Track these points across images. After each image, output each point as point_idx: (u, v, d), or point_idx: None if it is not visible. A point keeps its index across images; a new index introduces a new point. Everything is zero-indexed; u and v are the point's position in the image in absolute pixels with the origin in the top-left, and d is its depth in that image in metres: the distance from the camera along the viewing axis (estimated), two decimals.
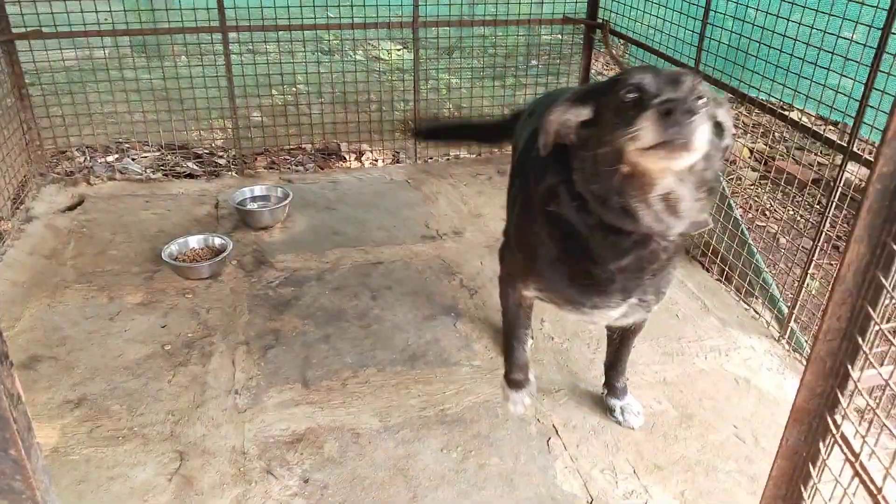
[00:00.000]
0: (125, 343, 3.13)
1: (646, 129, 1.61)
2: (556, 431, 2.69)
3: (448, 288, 3.56)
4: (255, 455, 2.56)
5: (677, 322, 3.33)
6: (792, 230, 4.72)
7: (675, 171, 1.73)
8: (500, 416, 2.76)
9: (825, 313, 1.41)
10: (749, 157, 6.15)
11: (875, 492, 1.29)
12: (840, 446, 1.44)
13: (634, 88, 1.71)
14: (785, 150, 6.19)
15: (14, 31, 4.08)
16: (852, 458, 1.38)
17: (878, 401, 1.43)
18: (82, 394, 2.83)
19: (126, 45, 5.15)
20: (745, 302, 3.48)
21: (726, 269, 3.59)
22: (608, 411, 2.78)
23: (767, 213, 5.32)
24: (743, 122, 6.93)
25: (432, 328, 3.26)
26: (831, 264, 4.15)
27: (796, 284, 3.14)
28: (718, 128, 1.84)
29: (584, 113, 1.87)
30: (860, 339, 1.37)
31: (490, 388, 2.90)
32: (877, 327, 1.31)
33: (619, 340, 2.66)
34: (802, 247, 3.13)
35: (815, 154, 6.01)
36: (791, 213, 5.20)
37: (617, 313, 2.22)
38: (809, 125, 3.12)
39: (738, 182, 5.48)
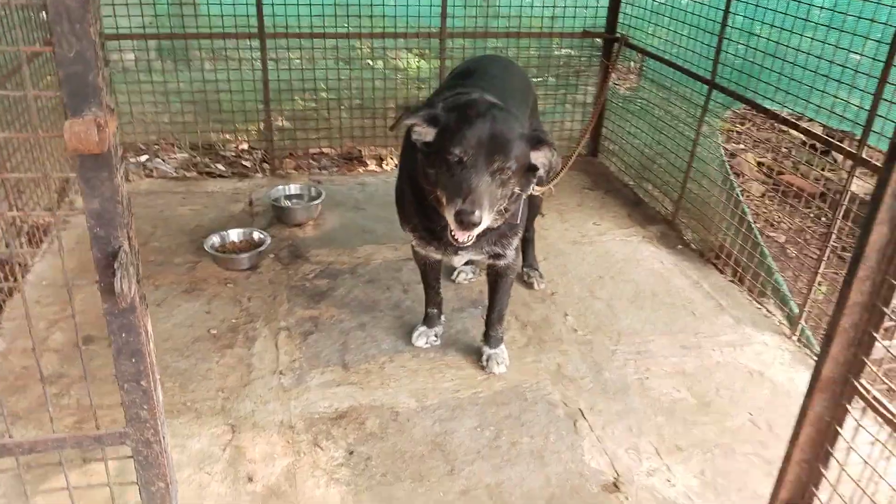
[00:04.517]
0: (173, 327, 3.31)
1: (449, 214, 2.36)
2: (583, 414, 2.87)
3: (475, 283, 3.75)
4: (303, 429, 2.74)
5: (693, 319, 3.52)
6: (799, 241, 4.91)
7: None
8: (529, 399, 2.95)
9: (848, 290, 1.60)
10: (757, 170, 6.36)
11: None
12: (873, 406, 1.63)
13: (457, 157, 2.36)
14: (792, 165, 6.39)
15: None
16: (889, 415, 1.57)
17: None
18: None
19: (156, 48, 5.36)
20: (757, 301, 3.66)
21: (739, 270, 3.78)
22: (478, 357, 3.15)
23: (774, 223, 5.52)
24: (752, 137, 7.16)
25: (462, 319, 3.45)
26: (836, 273, 4.34)
27: (805, 289, 3.33)
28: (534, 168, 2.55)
29: (431, 133, 2.48)
30: (884, 309, 1.57)
31: (518, 375, 3.08)
32: None
33: (490, 288, 3.09)
34: (809, 255, 3.33)
35: (821, 169, 6.21)
36: (798, 223, 5.40)
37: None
38: (820, 135, 3.32)
39: (746, 193, 5.67)
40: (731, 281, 3.86)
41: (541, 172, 2.59)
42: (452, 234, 2.44)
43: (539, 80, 5.53)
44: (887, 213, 1.52)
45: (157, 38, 4.60)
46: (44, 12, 4.26)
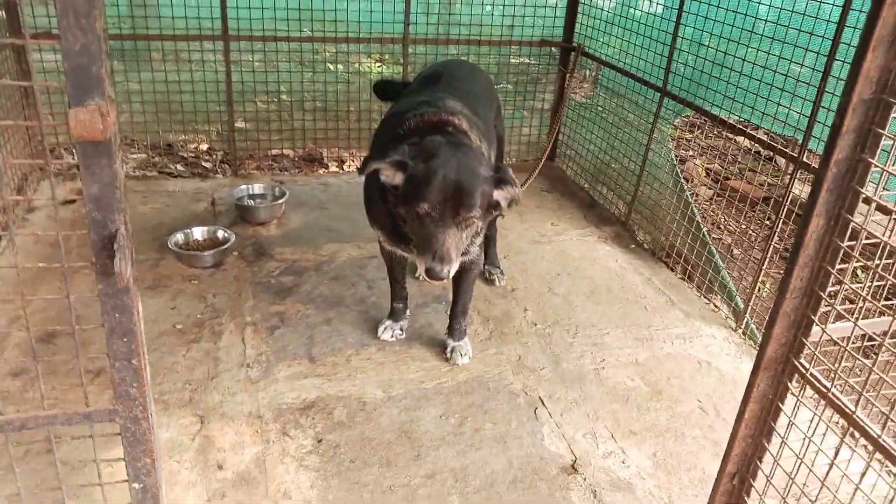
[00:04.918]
0: None
1: (420, 265, 2.58)
2: (542, 402, 3.00)
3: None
4: (271, 419, 2.80)
5: (646, 313, 3.69)
6: (744, 242, 5.16)
7: None
8: (491, 389, 3.06)
9: (790, 277, 1.76)
10: (705, 176, 6.63)
11: (850, 413, 1.64)
12: (811, 383, 1.79)
13: (425, 211, 2.49)
14: (738, 171, 6.69)
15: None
16: (824, 390, 1.73)
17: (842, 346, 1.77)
18: (101, 365, 3.02)
19: (116, 48, 5.32)
20: (705, 297, 3.86)
21: (689, 268, 3.98)
22: (442, 349, 3.26)
23: (722, 226, 5.78)
24: (701, 144, 7.45)
25: (426, 314, 3.55)
26: (779, 273, 4.60)
27: (750, 286, 3.54)
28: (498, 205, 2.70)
29: (399, 177, 2.57)
30: (821, 294, 1.73)
31: (481, 366, 3.20)
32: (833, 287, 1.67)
33: (455, 282, 3.17)
34: (754, 256, 3.54)
35: (766, 174, 6.52)
36: (743, 227, 5.67)
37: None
38: (764, 139, 3.53)
39: (695, 197, 5.92)
40: (681, 278, 4.06)
41: (503, 205, 2.74)
42: (423, 276, 2.60)
43: (498, 86, 5.70)
44: (823, 205, 1.69)
45: (120, 39, 4.60)
46: (4, 12, 4.23)
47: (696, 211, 3.95)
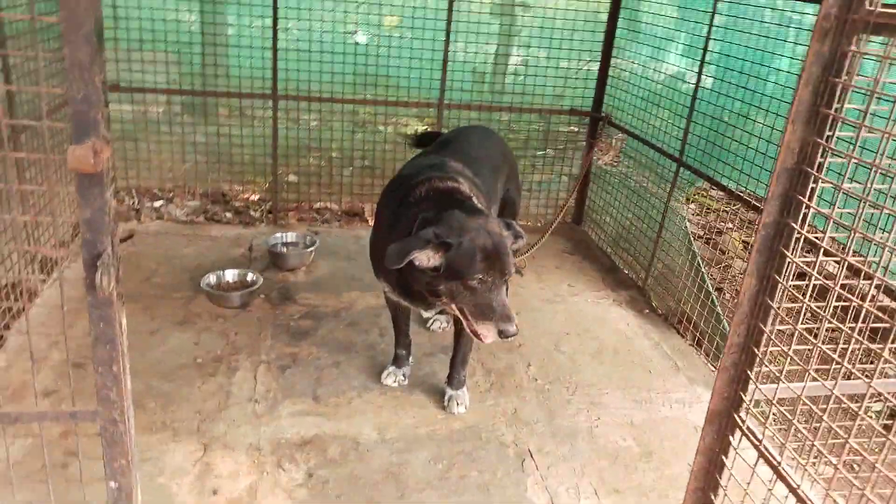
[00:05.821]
0: (162, 354, 3.58)
1: (487, 331, 2.74)
2: (531, 455, 3.08)
3: (448, 331, 4.00)
4: (269, 451, 2.96)
5: (649, 377, 3.73)
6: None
7: None
8: (482, 438, 3.16)
9: (728, 334, 1.86)
10: (742, 248, 6.63)
11: (776, 464, 1.71)
12: (746, 436, 1.87)
13: (478, 280, 2.67)
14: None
15: None
16: (756, 443, 1.80)
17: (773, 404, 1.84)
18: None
19: (178, 103, 5.82)
20: (712, 365, 3.88)
21: (698, 335, 4.01)
22: (441, 397, 3.39)
23: None
24: (740, 218, 7.46)
25: (431, 363, 3.69)
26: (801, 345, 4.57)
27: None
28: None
29: (435, 260, 2.69)
30: (756, 350, 1.82)
31: (477, 416, 3.30)
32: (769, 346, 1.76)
33: (457, 332, 3.33)
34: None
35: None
36: None
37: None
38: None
39: (728, 270, 5.93)
40: (690, 345, 4.08)
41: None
42: (480, 334, 2.77)
43: (540, 153, 5.95)
44: (754, 265, 1.80)
45: (180, 94, 5.04)
46: None
47: (706, 278, 4.01)
